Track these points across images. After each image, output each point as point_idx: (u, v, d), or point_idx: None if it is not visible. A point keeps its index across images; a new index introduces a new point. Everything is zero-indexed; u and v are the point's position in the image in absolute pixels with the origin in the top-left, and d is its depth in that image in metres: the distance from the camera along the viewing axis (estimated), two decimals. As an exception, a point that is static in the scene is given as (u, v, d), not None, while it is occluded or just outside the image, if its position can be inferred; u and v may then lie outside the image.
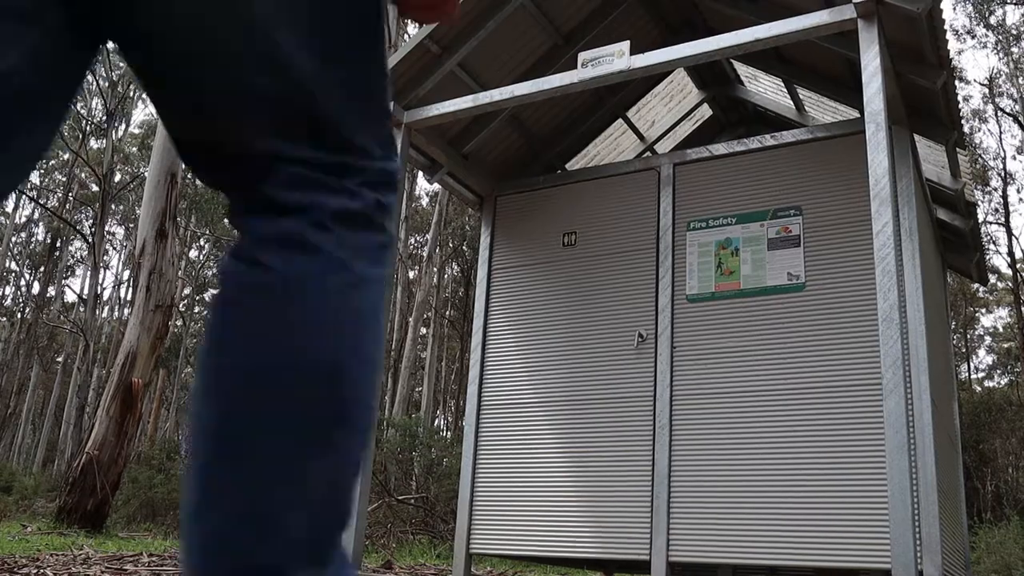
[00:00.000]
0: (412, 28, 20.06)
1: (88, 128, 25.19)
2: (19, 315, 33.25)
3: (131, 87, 25.82)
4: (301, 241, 0.79)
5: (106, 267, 32.13)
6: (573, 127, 5.70)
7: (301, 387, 0.77)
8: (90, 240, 21.87)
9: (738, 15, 4.72)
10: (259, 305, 0.78)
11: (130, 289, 25.95)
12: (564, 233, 4.97)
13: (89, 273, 25.16)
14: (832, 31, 3.72)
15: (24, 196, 28.41)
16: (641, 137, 6.21)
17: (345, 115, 0.84)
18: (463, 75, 4.82)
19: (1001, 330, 30.50)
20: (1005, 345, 29.31)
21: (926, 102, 4.08)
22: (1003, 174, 20.62)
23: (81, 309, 27.27)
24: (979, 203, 12.73)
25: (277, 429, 0.76)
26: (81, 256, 33.08)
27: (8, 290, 35.43)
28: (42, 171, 31.75)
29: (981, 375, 30.55)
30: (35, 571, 3.75)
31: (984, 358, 31.95)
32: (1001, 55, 20.81)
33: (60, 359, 32.09)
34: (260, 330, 0.78)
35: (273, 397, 0.76)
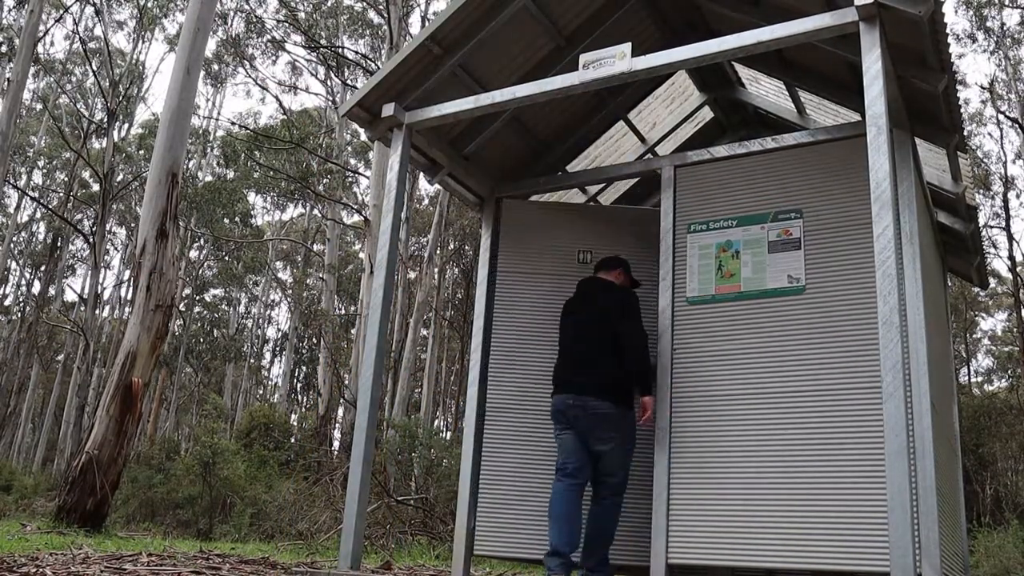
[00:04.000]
0: (414, 29, 20.08)
1: (89, 127, 25.17)
2: (19, 314, 33.25)
3: (132, 87, 25.82)
4: (617, 498, 4.28)
5: (107, 267, 32.08)
6: (574, 129, 5.70)
7: (614, 522, 4.26)
8: (91, 240, 21.86)
9: (740, 17, 4.72)
10: (608, 507, 4.25)
11: (130, 289, 25.91)
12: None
13: (89, 273, 25.15)
14: (834, 34, 3.72)
15: (26, 196, 28.39)
16: (642, 139, 6.21)
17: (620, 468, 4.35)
18: (464, 76, 4.82)
19: (1000, 334, 30.47)
20: (1005, 349, 29.27)
21: (927, 105, 4.08)
22: (1004, 178, 20.57)
23: (81, 308, 27.26)
24: (980, 207, 12.72)
25: (612, 531, 4.24)
26: (82, 256, 33.08)
27: (8, 289, 35.45)
28: (44, 170, 31.76)
29: (981, 379, 30.52)
30: (34, 570, 3.75)
31: (983, 361, 31.92)
32: (1000, 59, 20.77)
33: (60, 358, 32.08)
34: (606, 515, 4.27)
35: (610, 525, 4.23)
